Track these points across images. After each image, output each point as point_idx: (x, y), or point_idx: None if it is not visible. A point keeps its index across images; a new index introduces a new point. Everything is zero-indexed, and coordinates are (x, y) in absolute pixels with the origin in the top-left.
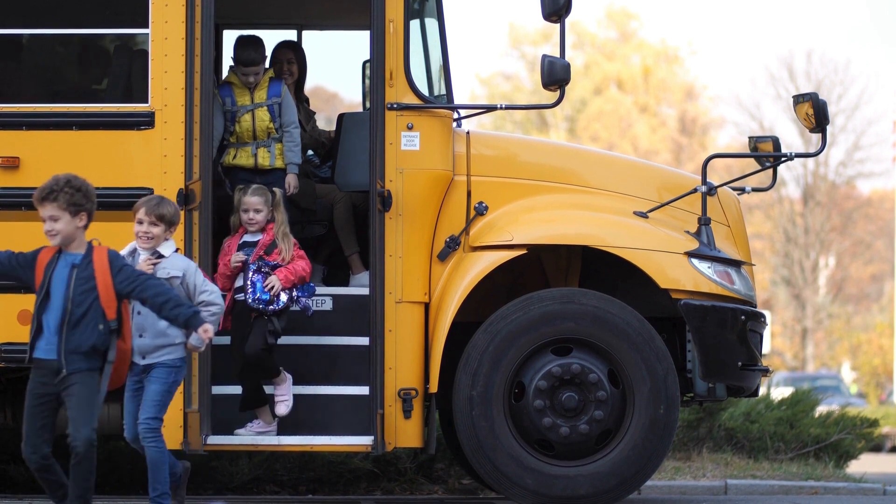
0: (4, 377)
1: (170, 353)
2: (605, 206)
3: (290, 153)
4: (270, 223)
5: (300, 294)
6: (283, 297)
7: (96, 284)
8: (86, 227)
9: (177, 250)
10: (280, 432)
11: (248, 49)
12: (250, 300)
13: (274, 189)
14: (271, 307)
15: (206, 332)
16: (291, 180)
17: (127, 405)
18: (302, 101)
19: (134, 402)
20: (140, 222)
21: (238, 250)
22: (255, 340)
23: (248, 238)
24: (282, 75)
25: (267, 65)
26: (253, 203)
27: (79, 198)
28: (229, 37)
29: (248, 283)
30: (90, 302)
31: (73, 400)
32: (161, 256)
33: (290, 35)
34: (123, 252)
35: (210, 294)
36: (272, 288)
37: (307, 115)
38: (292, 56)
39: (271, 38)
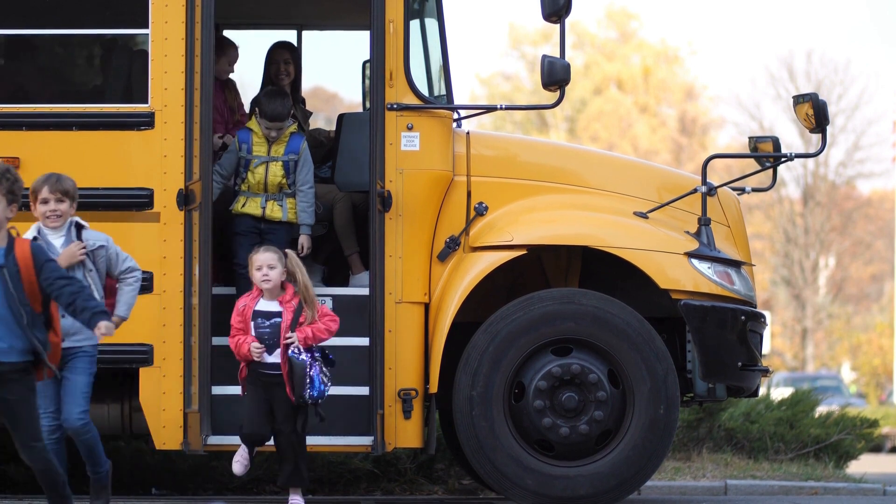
0: None
1: (90, 339)
2: (605, 207)
3: (304, 214)
4: (286, 283)
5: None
6: (329, 387)
7: (22, 279)
8: (8, 219)
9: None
10: None
11: (276, 103)
12: (307, 395)
13: (287, 251)
14: (318, 398)
15: (99, 328)
16: (304, 241)
17: (45, 390)
18: (298, 101)
19: (52, 387)
20: (45, 202)
21: (252, 319)
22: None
23: (263, 307)
24: (279, 75)
25: (264, 66)
26: (267, 259)
27: (17, 188)
28: (228, 36)
29: (308, 378)
30: (25, 299)
31: (14, 414)
32: (81, 227)
33: (290, 35)
34: (26, 235)
35: (130, 260)
36: (291, 342)
37: (304, 116)
38: (289, 56)
39: (269, 38)
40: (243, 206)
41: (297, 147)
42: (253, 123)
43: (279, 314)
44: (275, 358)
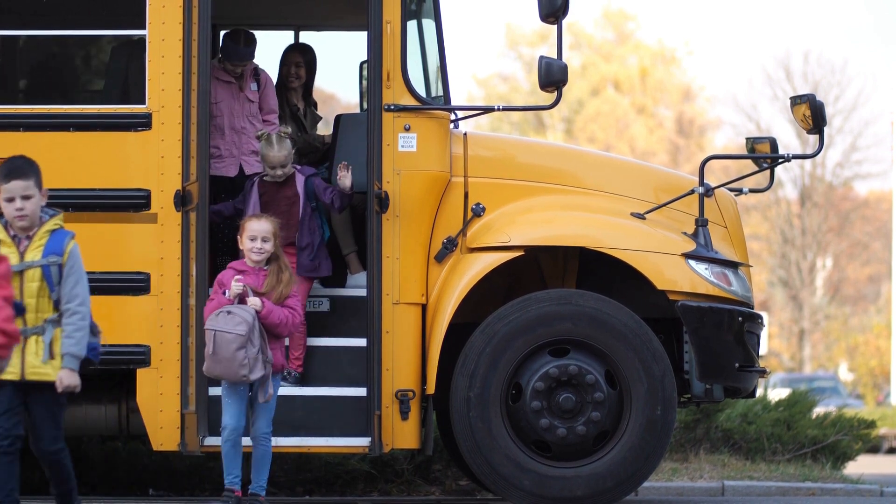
0: None
1: None
2: (603, 208)
3: (70, 340)
4: None
5: None
6: None
7: None
8: None
9: None
10: (277, 434)
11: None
12: None
13: None
14: None
15: None
16: (64, 377)
17: None
18: (310, 104)
19: None
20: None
21: None
22: None
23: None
24: (289, 77)
25: (278, 68)
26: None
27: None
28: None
29: None
30: None
31: None
32: None
33: (288, 35)
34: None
35: None
36: None
37: (314, 119)
38: (301, 59)
39: (269, 39)
40: None
41: (59, 246)
42: None
43: None
44: None
